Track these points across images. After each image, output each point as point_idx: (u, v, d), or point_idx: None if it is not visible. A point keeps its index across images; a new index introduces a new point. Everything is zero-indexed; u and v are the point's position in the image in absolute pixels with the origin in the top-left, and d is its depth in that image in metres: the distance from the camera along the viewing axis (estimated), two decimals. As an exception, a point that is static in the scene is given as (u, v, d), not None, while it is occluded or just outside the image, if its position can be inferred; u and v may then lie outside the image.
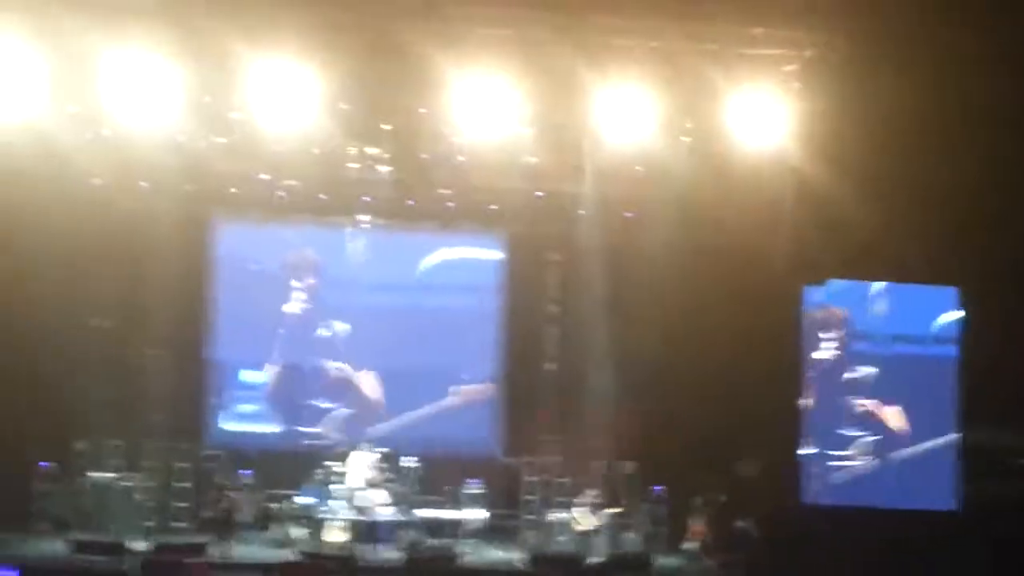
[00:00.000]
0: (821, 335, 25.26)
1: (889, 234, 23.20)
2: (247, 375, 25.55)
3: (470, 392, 25.85)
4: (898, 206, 23.05)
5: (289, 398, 25.64)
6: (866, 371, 25.25)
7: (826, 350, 25.29)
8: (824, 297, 25.17)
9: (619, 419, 25.34)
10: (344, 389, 25.72)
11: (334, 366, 25.70)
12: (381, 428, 25.51)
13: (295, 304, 25.67)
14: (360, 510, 23.13)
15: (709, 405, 24.20)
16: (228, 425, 25.50)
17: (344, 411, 25.69)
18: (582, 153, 23.05)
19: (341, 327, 25.66)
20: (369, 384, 25.75)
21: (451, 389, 25.68)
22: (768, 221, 22.92)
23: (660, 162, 22.73)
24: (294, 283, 25.68)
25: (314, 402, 25.65)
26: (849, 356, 25.33)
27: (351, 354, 25.69)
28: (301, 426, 25.58)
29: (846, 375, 25.28)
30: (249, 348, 25.56)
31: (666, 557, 23.77)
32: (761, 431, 24.13)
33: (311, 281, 25.70)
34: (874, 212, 22.76)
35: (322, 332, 25.64)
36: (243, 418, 25.53)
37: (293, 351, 25.59)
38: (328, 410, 25.68)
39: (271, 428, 25.58)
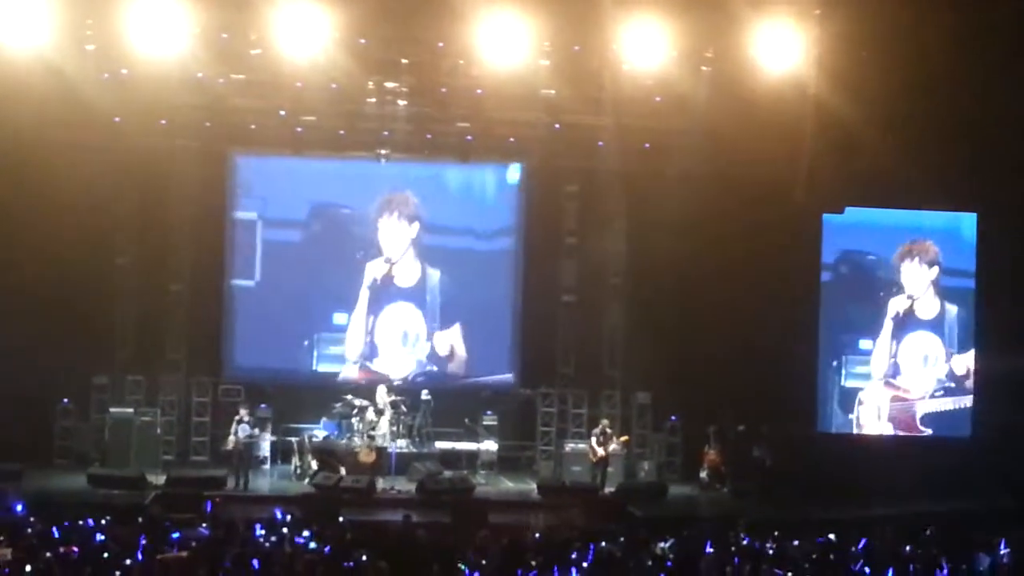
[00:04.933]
0: (907, 268, 25.50)
1: (909, 161, 23.21)
2: (338, 318, 25.60)
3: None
4: (918, 132, 23.09)
5: (373, 344, 25.68)
6: (952, 308, 25.55)
7: (914, 281, 25.53)
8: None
9: (635, 349, 25.51)
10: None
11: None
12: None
13: (388, 246, 25.66)
14: (376, 442, 23.39)
15: (725, 335, 24.36)
16: (321, 367, 25.56)
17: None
18: (601, 84, 22.96)
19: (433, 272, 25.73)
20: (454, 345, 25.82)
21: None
22: (788, 150, 22.88)
23: (679, 92, 22.66)
24: (387, 220, 25.63)
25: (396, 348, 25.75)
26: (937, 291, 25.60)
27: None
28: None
29: (929, 312, 25.55)
30: (340, 290, 25.57)
31: (680, 486, 24.15)
32: (779, 361, 24.29)
33: (407, 221, 25.67)
34: (894, 139, 22.80)
35: (406, 276, 25.74)
36: (333, 360, 25.60)
37: (379, 297, 25.60)
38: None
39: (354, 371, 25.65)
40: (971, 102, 23.15)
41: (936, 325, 25.47)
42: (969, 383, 25.43)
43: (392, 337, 25.60)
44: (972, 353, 25.37)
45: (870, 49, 22.15)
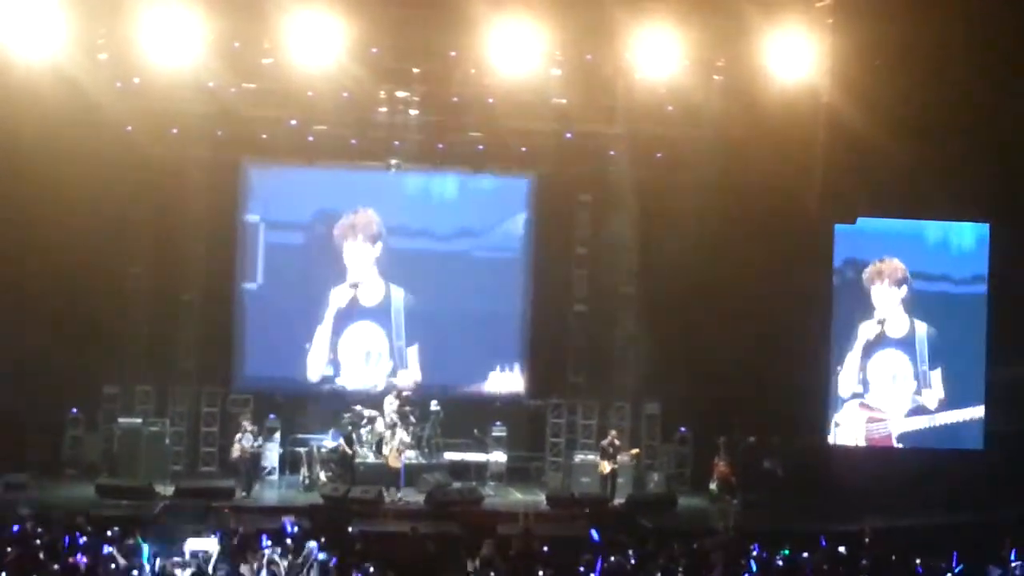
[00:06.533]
0: (877, 286, 25.44)
1: (922, 170, 23.13)
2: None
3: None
4: (930, 143, 22.98)
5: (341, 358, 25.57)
6: (921, 327, 25.44)
7: (883, 303, 25.46)
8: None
9: (646, 360, 25.44)
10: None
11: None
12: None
13: (353, 269, 25.49)
14: (385, 453, 23.35)
15: (736, 345, 24.21)
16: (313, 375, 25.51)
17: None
18: (613, 93, 22.96)
19: (396, 291, 25.55)
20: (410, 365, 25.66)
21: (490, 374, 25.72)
22: (800, 160, 22.84)
23: (692, 101, 22.64)
24: (351, 244, 25.46)
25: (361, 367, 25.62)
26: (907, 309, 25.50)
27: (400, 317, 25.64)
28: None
29: (899, 331, 25.48)
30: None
31: (690, 497, 24.03)
32: (789, 372, 24.19)
33: (370, 242, 25.51)
34: (906, 149, 22.71)
35: (370, 295, 25.59)
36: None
37: (347, 313, 25.47)
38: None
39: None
40: (984, 111, 23.05)
41: (906, 344, 25.41)
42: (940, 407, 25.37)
43: (355, 355, 25.47)
44: (939, 375, 25.30)
45: (883, 58, 22.12)
